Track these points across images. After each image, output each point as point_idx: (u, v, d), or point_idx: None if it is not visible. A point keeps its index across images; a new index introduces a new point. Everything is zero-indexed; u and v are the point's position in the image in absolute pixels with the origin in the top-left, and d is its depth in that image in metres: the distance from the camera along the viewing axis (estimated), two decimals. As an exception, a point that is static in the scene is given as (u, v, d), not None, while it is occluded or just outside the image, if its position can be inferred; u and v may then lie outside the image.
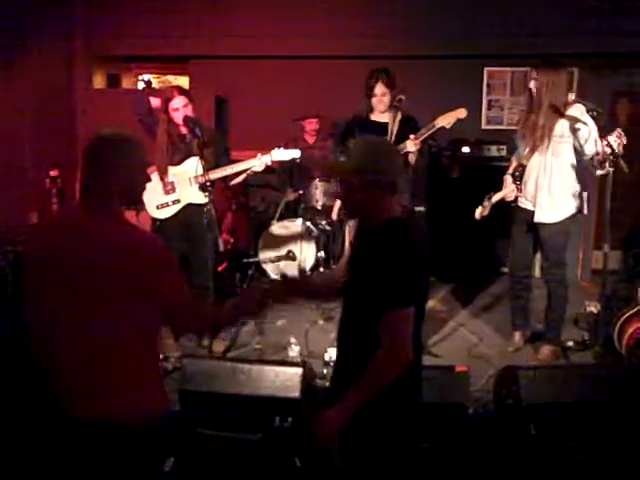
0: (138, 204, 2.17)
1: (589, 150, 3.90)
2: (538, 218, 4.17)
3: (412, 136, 4.25)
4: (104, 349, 1.98)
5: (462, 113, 4.27)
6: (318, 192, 5.73)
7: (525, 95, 4.25)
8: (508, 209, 4.42)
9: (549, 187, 4.11)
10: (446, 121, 4.28)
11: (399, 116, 4.38)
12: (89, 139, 2.07)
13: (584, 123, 3.91)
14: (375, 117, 4.56)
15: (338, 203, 5.08)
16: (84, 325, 1.96)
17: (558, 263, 4.23)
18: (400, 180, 2.23)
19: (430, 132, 4.30)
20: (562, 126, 4.00)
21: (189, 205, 4.34)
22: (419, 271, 2.11)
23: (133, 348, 2.02)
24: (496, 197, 4.37)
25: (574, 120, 3.94)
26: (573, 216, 4.16)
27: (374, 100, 4.46)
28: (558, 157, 4.07)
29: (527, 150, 4.17)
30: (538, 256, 4.94)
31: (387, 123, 4.44)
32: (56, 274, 1.99)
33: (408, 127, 4.33)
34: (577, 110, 3.99)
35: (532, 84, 4.06)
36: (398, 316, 2.05)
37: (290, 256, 5.73)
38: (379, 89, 4.42)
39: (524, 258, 4.41)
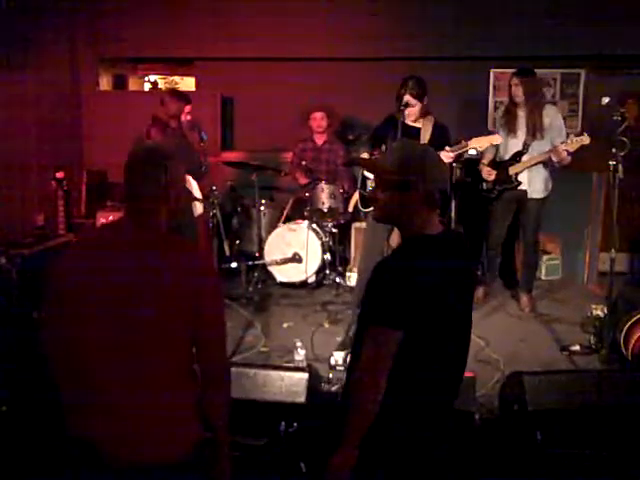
0: (179, 218, 2.06)
1: (559, 140, 4.77)
2: (531, 194, 4.92)
3: (447, 148, 4.24)
4: (155, 381, 1.84)
5: (497, 139, 4.51)
6: (324, 194, 5.71)
7: (511, 95, 4.95)
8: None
9: (538, 168, 4.88)
10: (479, 144, 4.35)
11: (432, 122, 4.35)
12: (132, 152, 1.95)
13: (558, 118, 4.93)
14: (409, 122, 4.49)
15: (356, 195, 5.03)
16: (134, 356, 1.81)
17: (538, 231, 5.15)
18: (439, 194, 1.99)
19: (461, 151, 4.31)
20: (547, 118, 4.85)
21: None
22: (425, 298, 1.89)
23: (181, 377, 1.90)
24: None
25: (553, 115, 4.91)
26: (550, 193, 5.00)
27: (403, 110, 4.33)
28: (546, 144, 4.81)
29: (518, 138, 4.87)
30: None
31: (420, 129, 4.40)
32: (102, 297, 1.81)
33: (439, 135, 4.33)
34: (553, 108, 5.02)
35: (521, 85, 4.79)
36: (370, 334, 1.88)
37: (296, 258, 5.73)
38: (407, 101, 4.33)
39: (502, 233, 5.17)
